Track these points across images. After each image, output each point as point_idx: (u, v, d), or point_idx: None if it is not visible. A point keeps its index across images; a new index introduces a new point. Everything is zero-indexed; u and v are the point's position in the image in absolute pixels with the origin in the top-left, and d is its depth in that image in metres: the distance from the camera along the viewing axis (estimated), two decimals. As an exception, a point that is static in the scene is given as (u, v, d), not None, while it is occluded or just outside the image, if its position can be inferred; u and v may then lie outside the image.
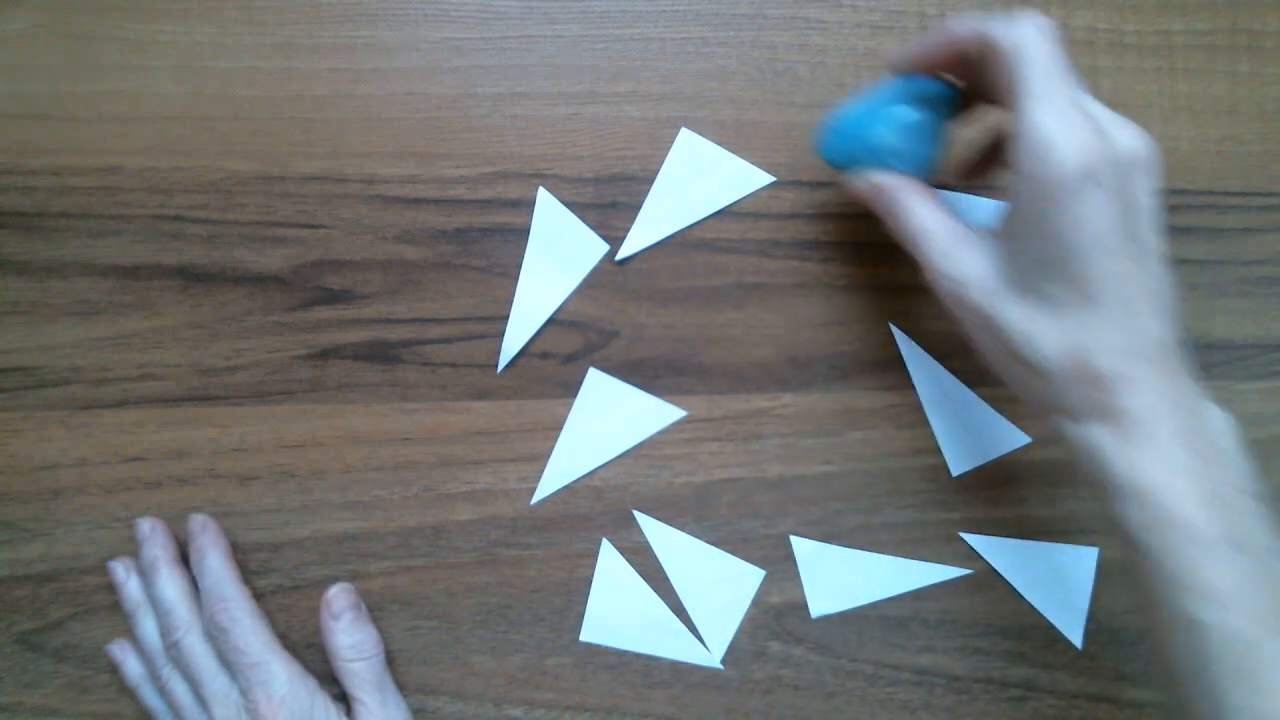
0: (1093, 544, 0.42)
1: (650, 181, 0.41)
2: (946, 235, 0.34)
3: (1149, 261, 0.31)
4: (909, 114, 0.36)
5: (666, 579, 0.41)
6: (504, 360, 0.40)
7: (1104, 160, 0.30)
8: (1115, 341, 0.30)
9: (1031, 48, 0.31)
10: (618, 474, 0.41)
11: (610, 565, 0.40)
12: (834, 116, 0.37)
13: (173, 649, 0.37)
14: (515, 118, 0.41)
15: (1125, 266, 0.30)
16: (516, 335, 0.40)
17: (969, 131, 0.39)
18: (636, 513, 0.41)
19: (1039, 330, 0.31)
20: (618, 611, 0.40)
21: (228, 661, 0.36)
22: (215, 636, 0.36)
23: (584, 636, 0.40)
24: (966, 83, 0.36)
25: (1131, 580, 0.31)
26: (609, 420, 0.41)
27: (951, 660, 0.41)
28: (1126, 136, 0.31)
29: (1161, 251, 0.32)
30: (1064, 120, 0.30)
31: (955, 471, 0.42)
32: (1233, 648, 0.28)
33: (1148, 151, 0.32)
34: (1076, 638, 0.41)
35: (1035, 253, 0.31)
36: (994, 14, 0.34)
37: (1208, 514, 0.29)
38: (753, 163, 0.41)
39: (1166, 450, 0.30)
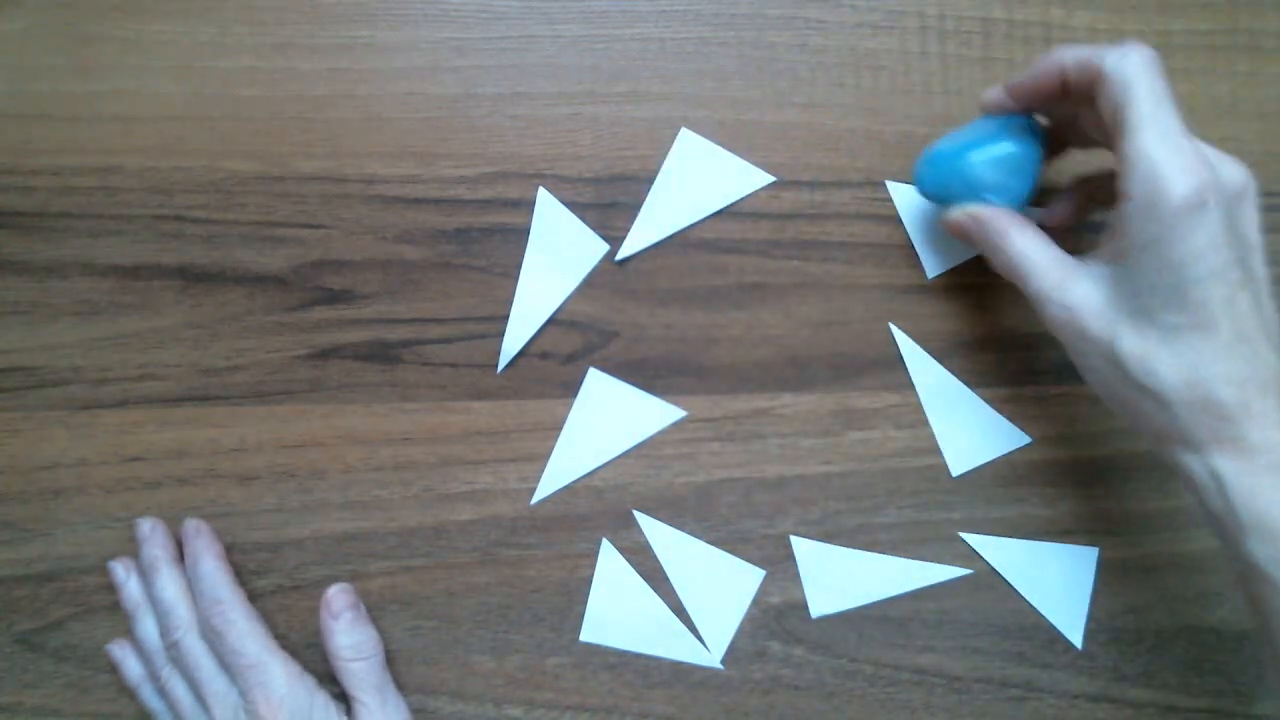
0: (1093, 544, 0.42)
1: (650, 181, 0.41)
2: (1055, 266, 0.34)
3: (1262, 294, 0.31)
4: (1005, 148, 0.36)
5: (666, 579, 0.41)
6: (504, 360, 0.40)
7: (1215, 190, 0.30)
8: (1236, 371, 0.30)
9: (1140, 78, 0.31)
10: (618, 474, 0.41)
11: (610, 565, 0.40)
12: (930, 150, 0.38)
13: (173, 649, 0.37)
14: (515, 118, 0.41)
15: (1241, 297, 0.30)
16: (516, 335, 0.40)
17: (1058, 176, 0.39)
18: (636, 513, 0.41)
19: (1158, 359, 0.31)
20: (618, 611, 0.40)
21: (225, 663, 0.36)
22: (211, 639, 0.36)
23: (584, 636, 0.40)
24: (1057, 122, 0.37)
25: (1254, 613, 0.31)
26: (609, 420, 0.41)
27: (951, 660, 0.41)
28: (1232, 169, 0.32)
29: (1270, 286, 0.32)
30: (1176, 149, 0.30)
31: (955, 471, 0.42)
32: None
33: (1250, 185, 0.32)
34: (1076, 638, 0.41)
35: (1150, 281, 0.31)
36: (1099, 43, 0.34)
37: None
38: (753, 163, 0.41)
39: None
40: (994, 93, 0.37)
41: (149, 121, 0.39)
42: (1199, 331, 0.30)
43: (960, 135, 0.38)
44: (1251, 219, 0.32)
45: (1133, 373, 0.32)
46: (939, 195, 0.38)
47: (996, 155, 0.36)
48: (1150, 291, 0.31)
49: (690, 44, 0.41)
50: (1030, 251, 0.35)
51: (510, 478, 0.40)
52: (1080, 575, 0.42)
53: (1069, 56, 0.34)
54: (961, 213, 0.37)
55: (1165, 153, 0.30)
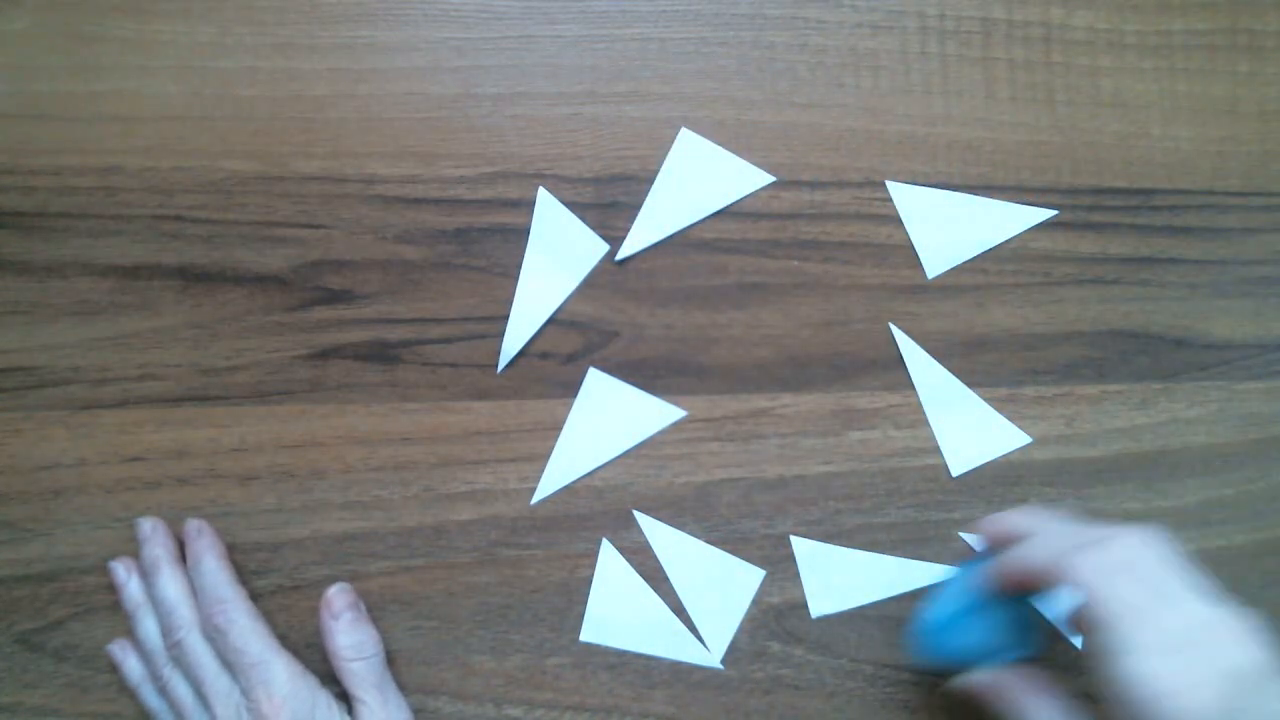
0: (1093, 544, 0.42)
1: (650, 181, 0.41)
2: None
3: None
4: (1004, 608, 0.34)
5: (666, 579, 0.41)
6: (504, 360, 0.40)
7: (1210, 698, 0.27)
8: None
9: (1101, 597, 0.29)
10: (618, 474, 0.41)
11: (610, 565, 0.40)
12: (923, 620, 0.37)
13: (174, 649, 0.37)
14: (515, 118, 0.41)
15: None
16: (516, 335, 0.40)
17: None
18: (636, 513, 0.41)
19: None
20: (618, 611, 0.40)
21: (228, 662, 0.36)
22: (214, 639, 0.36)
23: (584, 636, 0.40)
24: None
25: None
26: (609, 420, 0.41)
27: (951, 660, 0.41)
28: (1237, 652, 0.29)
29: None
30: (1153, 669, 0.28)
31: (955, 472, 0.42)
32: None
33: (1265, 657, 0.29)
34: (1077, 638, 0.41)
35: None
36: (1078, 529, 0.33)
37: None
38: (753, 163, 0.41)
39: None
40: (988, 530, 0.36)
41: (149, 121, 0.39)
42: None
43: (952, 596, 0.36)
44: (1273, 694, 0.28)
45: None
46: (941, 666, 0.37)
47: (997, 617, 0.35)
48: None
49: (690, 44, 0.41)
50: None
51: (510, 478, 0.40)
52: (1080, 575, 0.42)
53: (1036, 563, 0.32)
54: (972, 681, 0.35)
55: (1145, 679, 0.28)
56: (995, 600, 0.35)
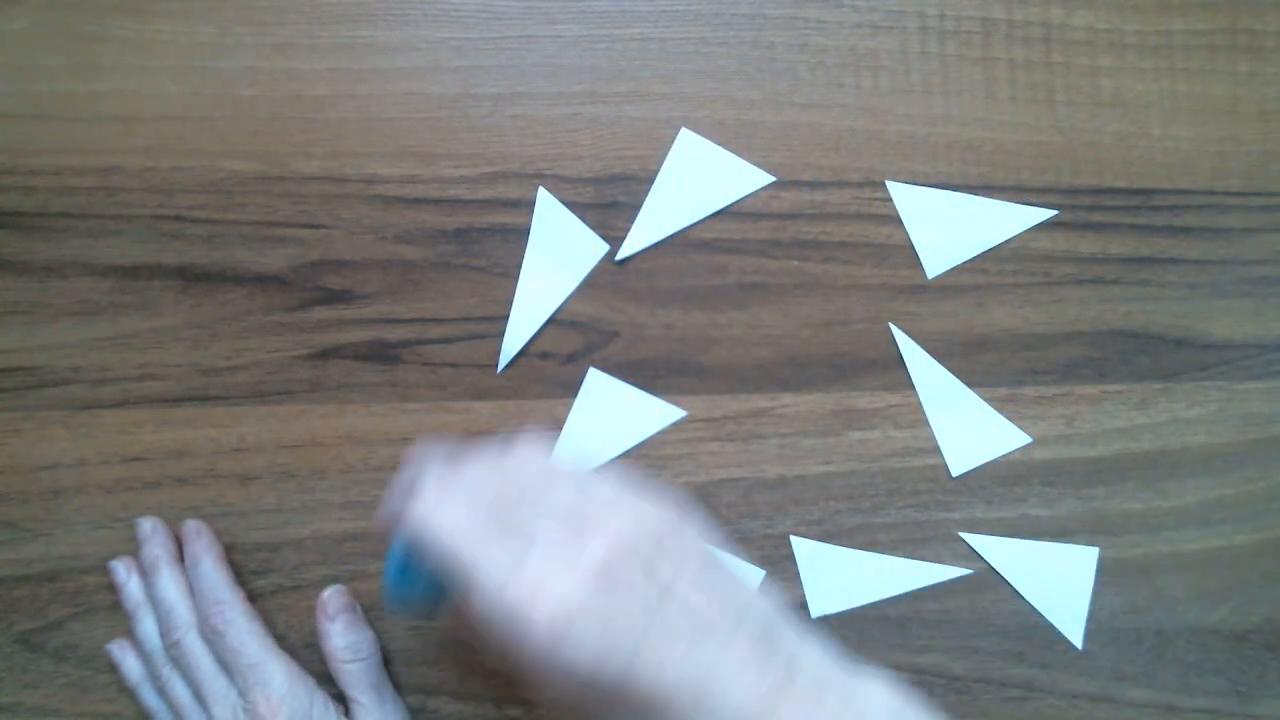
0: (1093, 544, 0.42)
1: (650, 181, 0.41)
2: None
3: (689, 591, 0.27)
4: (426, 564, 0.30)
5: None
6: (504, 360, 0.40)
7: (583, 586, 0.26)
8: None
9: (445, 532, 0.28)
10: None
11: None
12: (384, 575, 0.32)
13: (173, 649, 0.37)
14: (515, 118, 0.41)
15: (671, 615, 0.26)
16: (516, 335, 0.40)
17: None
18: None
19: None
20: None
21: (225, 663, 0.36)
22: (211, 639, 0.36)
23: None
24: None
25: None
26: (609, 420, 0.41)
27: (951, 660, 0.41)
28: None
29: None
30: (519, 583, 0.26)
31: (955, 471, 0.42)
32: None
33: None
34: (1077, 638, 0.41)
35: None
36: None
37: None
38: (753, 163, 0.41)
39: None
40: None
41: (149, 121, 0.39)
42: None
43: (398, 549, 0.31)
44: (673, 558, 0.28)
45: None
46: (406, 615, 0.34)
47: (424, 573, 0.30)
48: None
49: (690, 44, 0.41)
50: None
51: (510, 478, 0.40)
52: (1080, 575, 0.42)
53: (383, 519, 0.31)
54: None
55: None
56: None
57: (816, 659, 0.27)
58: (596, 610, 0.26)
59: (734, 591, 0.28)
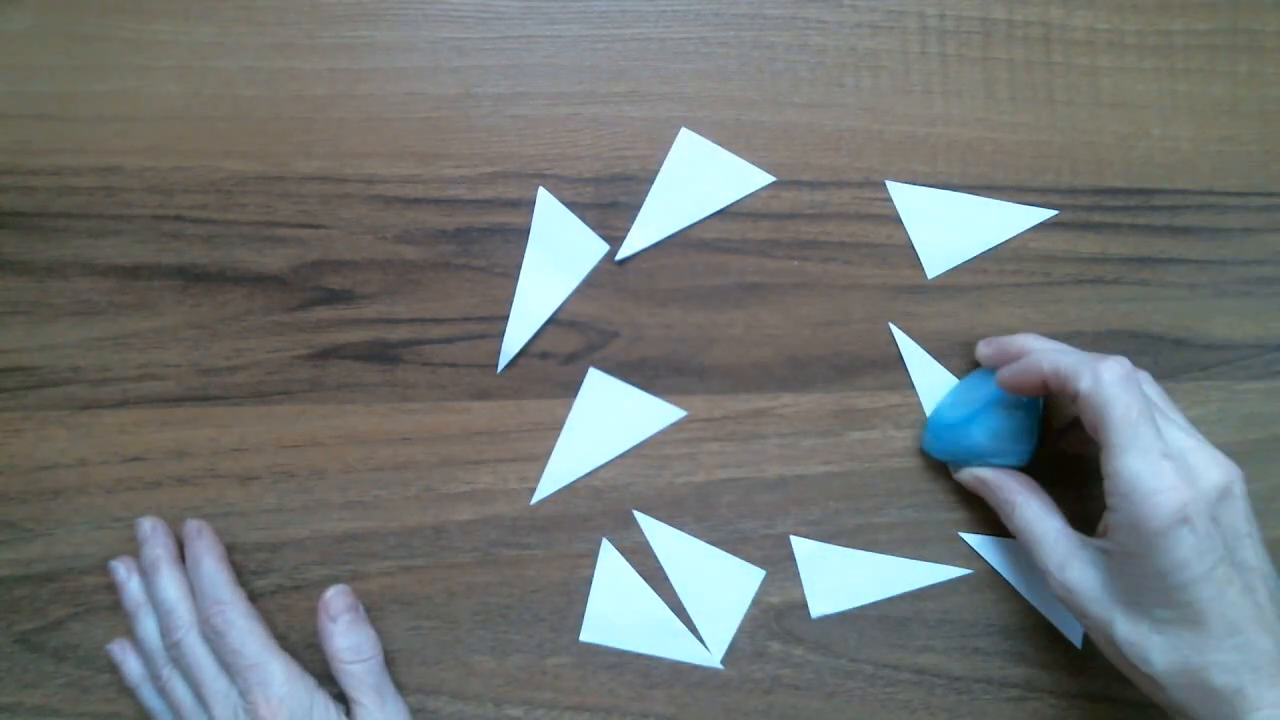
0: (1093, 544, 0.42)
1: (650, 181, 0.41)
2: (1058, 543, 0.37)
3: (1255, 581, 0.33)
4: (1003, 419, 0.39)
5: (666, 579, 0.41)
6: (504, 360, 0.40)
7: (1194, 501, 0.32)
8: (1229, 660, 0.32)
9: (1115, 400, 0.33)
10: (618, 474, 0.41)
11: (610, 565, 0.40)
12: (934, 419, 0.41)
13: (173, 649, 0.37)
14: (515, 118, 0.41)
15: (1231, 593, 0.32)
16: (516, 335, 0.40)
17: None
18: (636, 513, 0.41)
19: (1150, 646, 0.33)
20: (618, 611, 0.40)
21: (226, 664, 0.36)
22: (211, 639, 0.36)
23: (584, 636, 0.40)
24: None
25: None
26: (609, 420, 0.41)
27: (951, 660, 0.41)
28: (1213, 471, 0.33)
29: (1269, 569, 0.34)
30: (1151, 468, 0.32)
31: (955, 472, 0.42)
32: None
33: (1235, 480, 0.34)
34: (1076, 637, 0.41)
35: (1140, 582, 0.33)
36: (1076, 351, 0.37)
37: None
38: (753, 163, 0.41)
39: None
40: (986, 350, 0.40)
41: (149, 121, 0.39)
42: (1189, 625, 0.32)
43: (962, 399, 0.40)
44: (1238, 512, 0.34)
45: (1128, 656, 0.34)
46: (948, 460, 0.41)
47: (997, 426, 0.38)
48: (1140, 589, 0.33)
49: (690, 44, 0.41)
50: (1035, 524, 0.37)
51: (510, 478, 0.40)
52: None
53: (1047, 367, 0.36)
54: (971, 476, 0.40)
55: (1144, 475, 0.32)
56: (999, 408, 0.38)
57: None
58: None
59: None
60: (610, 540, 0.41)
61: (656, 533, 0.41)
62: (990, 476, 0.39)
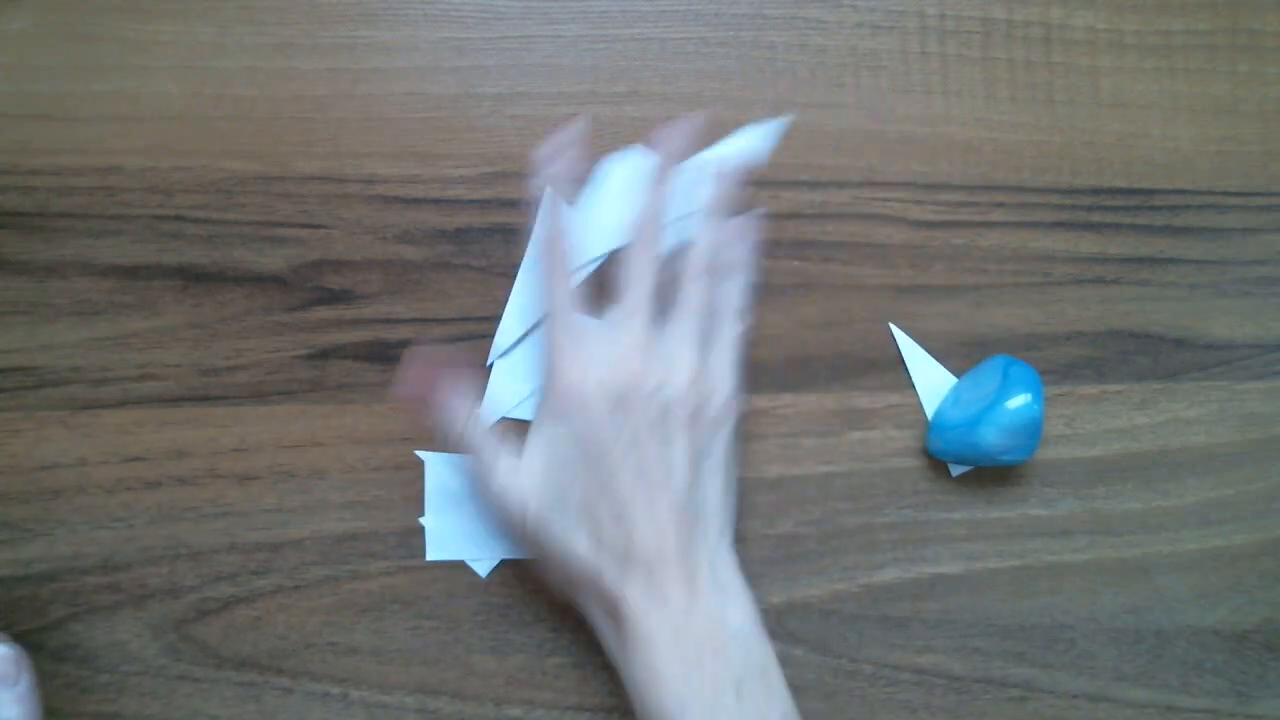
0: (1092, 544, 0.42)
1: (650, 181, 0.40)
2: (498, 451, 0.36)
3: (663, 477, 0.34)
4: (1010, 415, 0.38)
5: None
6: (494, 354, 0.40)
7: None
8: (614, 556, 0.33)
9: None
10: (618, 474, 0.41)
11: (438, 477, 0.40)
12: (939, 418, 0.40)
13: None
14: (515, 118, 0.41)
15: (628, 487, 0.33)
16: (509, 331, 0.40)
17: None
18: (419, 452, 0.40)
19: (573, 546, 0.34)
20: (457, 523, 0.40)
21: None
22: None
23: (429, 556, 0.40)
24: None
25: None
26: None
27: (951, 660, 0.41)
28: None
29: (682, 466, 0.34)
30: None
31: (955, 471, 0.42)
32: None
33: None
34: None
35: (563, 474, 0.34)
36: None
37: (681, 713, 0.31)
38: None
39: (653, 653, 0.32)
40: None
41: (149, 121, 0.39)
42: (590, 524, 0.34)
43: (964, 398, 0.40)
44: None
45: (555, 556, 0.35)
46: (955, 460, 0.41)
47: (1005, 423, 0.38)
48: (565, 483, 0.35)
49: (690, 44, 0.41)
50: (477, 436, 0.36)
51: (510, 478, 0.40)
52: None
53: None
54: (408, 383, 0.37)
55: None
56: (1005, 405, 0.38)
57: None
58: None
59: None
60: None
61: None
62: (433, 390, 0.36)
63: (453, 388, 0.36)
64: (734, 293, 0.37)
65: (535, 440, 0.35)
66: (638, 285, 0.35)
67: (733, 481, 0.36)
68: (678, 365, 0.34)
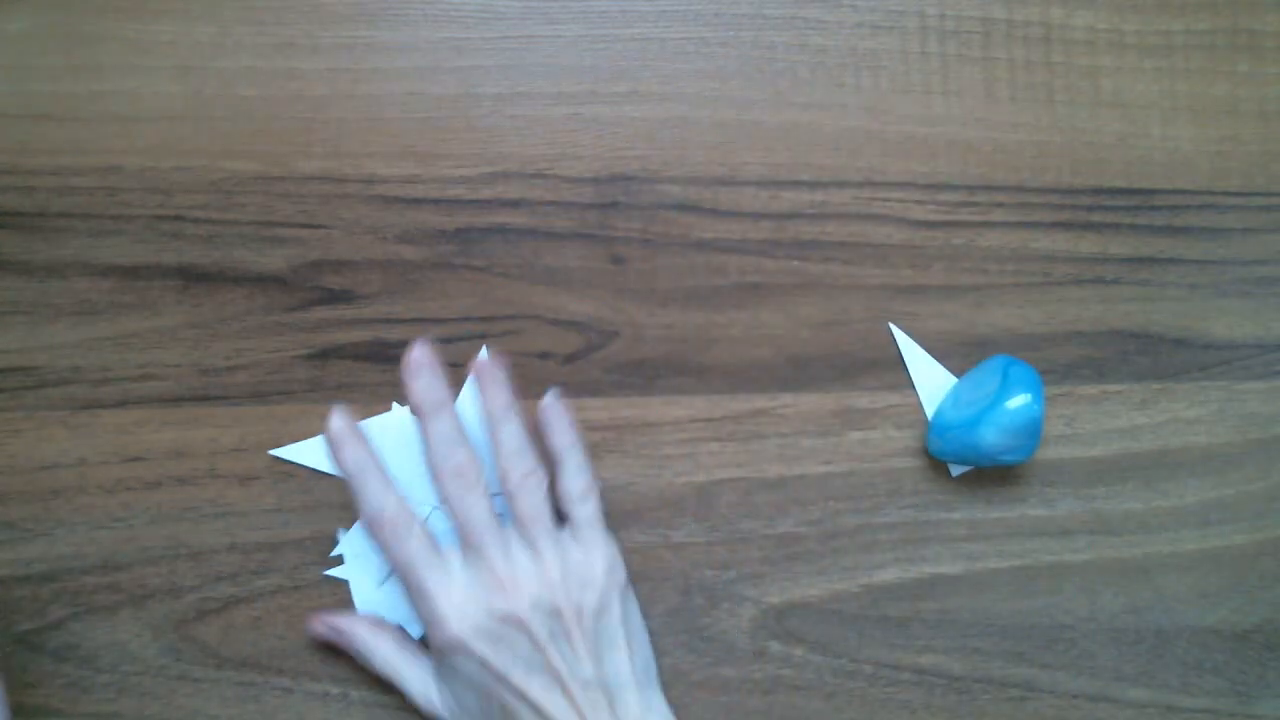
0: (1092, 544, 0.42)
1: (651, 181, 0.41)
2: (418, 677, 0.36)
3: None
4: (1010, 416, 0.38)
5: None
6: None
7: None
8: None
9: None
10: (618, 474, 0.41)
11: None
12: (939, 418, 0.40)
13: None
14: (515, 118, 0.41)
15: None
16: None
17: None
18: (271, 452, 0.41)
19: None
20: None
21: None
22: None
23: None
24: None
25: None
26: (608, 420, 0.40)
27: (951, 660, 0.41)
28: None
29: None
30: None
31: (955, 471, 0.42)
32: None
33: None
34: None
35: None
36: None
37: None
38: (752, 162, 0.41)
39: None
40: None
41: (149, 121, 0.39)
42: None
43: (964, 398, 0.40)
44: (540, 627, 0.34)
45: None
46: (955, 461, 0.40)
47: (1005, 423, 0.38)
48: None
49: (690, 44, 0.41)
50: (392, 662, 0.37)
51: (510, 478, 0.40)
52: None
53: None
54: (326, 627, 0.38)
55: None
56: (1005, 405, 0.38)
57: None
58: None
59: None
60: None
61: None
62: (344, 626, 0.37)
63: (364, 624, 0.37)
64: (573, 474, 0.37)
65: (439, 678, 0.36)
66: (472, 519, 0.35)
67: (642, 632, 0.37)
68: (542, 573, 0.35)
